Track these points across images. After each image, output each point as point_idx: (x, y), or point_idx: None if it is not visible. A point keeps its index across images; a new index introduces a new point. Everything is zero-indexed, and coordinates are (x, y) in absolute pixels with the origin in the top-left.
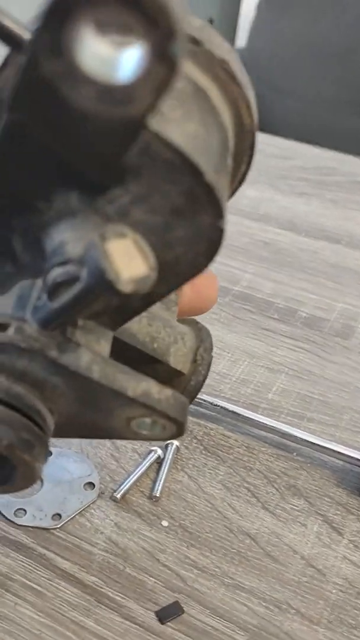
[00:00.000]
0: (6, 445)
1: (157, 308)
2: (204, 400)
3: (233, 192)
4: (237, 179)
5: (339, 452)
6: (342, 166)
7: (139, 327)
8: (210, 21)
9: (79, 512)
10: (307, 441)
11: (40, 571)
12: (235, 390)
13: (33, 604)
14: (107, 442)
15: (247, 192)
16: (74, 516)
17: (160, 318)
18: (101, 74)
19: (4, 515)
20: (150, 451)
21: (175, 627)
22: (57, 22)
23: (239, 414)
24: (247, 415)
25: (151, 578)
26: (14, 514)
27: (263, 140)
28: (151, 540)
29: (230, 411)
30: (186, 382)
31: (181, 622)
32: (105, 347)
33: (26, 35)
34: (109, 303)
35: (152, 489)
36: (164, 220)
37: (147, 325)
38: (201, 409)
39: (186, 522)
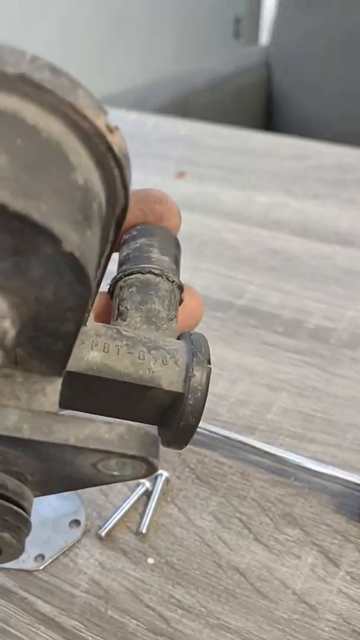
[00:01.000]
0: None
1: (142, 331)
2: (199, 427)
3: (124, 200)
4: (116, 187)
5: (337, 477)
6: None
7: (116, 358)
8: (238, 20)
9: (63, 552)
10: (304, 467)
11: (20, 616)
12: (233, 412)
13: None
14: None
15: (258, 198)
16: (57, 557)
17: (145, 342)
18: None
19: None
20: (139, 484)
21: None
22: None
23: (233, 439)
24: (242, 440)
25: (133, 620)
26: None
27: (278, 142)
28: (135, 579)
29: (224, 436)
30: (185, 403)
31: None
32: (52, 396)
33: None
34: None
35: (139, 524)
36: (13, 263)
37: (127, 354)
38: (196, 436)
39: (173, 559)
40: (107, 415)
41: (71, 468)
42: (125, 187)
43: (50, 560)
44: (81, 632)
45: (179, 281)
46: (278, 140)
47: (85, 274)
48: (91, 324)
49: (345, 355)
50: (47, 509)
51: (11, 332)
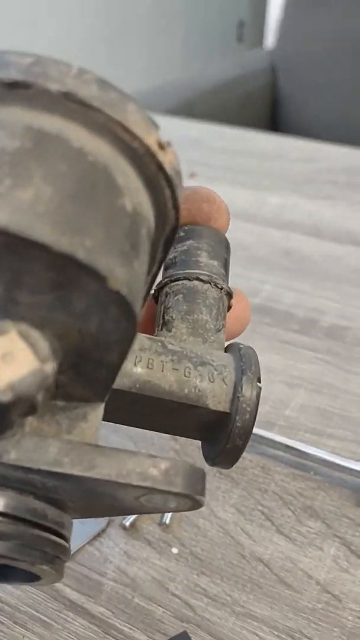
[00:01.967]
0: (35, 568)
1: (188, 344)
2: None
3: (174, 221)
4: (167, 207)
5: (358, 471)
6: None
7: (161, 375)
8: (241, 24)
9: (89, 542)
10: (325, 460)
11: (49, 602)
12: None
13: (41, 636)
14: None
15: (270, 199)
16: (84, 545)
17: (191, 356)
18: None
19: None
20: None
21: None
22: None
23: (253, 434)
24: (262, 434)
25: (160, 607)
26: None
27: (286, 144)
28: (161, 568)
29: None
30: (232, 424)
31: None
32: (93, 422)
33: None
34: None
35: (162, 515)
36: (56, 296)
37: (172, 371)
38: None
39: (197, 549)
40: (147, 429)
41: (113, 500)
42: (177, 207)
43: (76, 549)
44: (109, 618)
45: (228, 287)
46: (287, 143)
47: (131, 311)
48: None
49: None
50: None
51: (53, 372)
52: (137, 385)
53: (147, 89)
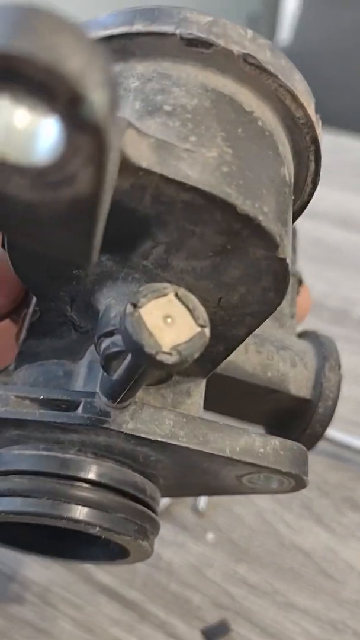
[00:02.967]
0: (134, 543)
1: (267, 327)
2: None
3: (307, 197)
4: (306, 182)
5: None
6: None
7: (245, 357)
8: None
9: None
10: None
11: (81, 585)
12: None
13: (73, 618)
14: None
15: None
16: None
17: (272, 340)
18: (20, 158)
19: None
20: None
21: None
22: None
23: None
24: None
25: (197, 594)
26: None
27: None
28: (197, 554)
29: None
30: (313, 411)
31: None
32: (196, 398)
33: None
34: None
35: (196, 500)
36: (212, 263)
37: (255, 353)
38: None
39: (235, 536)
40: (217, 412)
41: (211, 477)
42: (315, 183)
43: None
44: (144, 603)
45: (300, 273)
46: None
47: (286, 282)
48: None
49: None
50: None
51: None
52: (222, 365)
53: None
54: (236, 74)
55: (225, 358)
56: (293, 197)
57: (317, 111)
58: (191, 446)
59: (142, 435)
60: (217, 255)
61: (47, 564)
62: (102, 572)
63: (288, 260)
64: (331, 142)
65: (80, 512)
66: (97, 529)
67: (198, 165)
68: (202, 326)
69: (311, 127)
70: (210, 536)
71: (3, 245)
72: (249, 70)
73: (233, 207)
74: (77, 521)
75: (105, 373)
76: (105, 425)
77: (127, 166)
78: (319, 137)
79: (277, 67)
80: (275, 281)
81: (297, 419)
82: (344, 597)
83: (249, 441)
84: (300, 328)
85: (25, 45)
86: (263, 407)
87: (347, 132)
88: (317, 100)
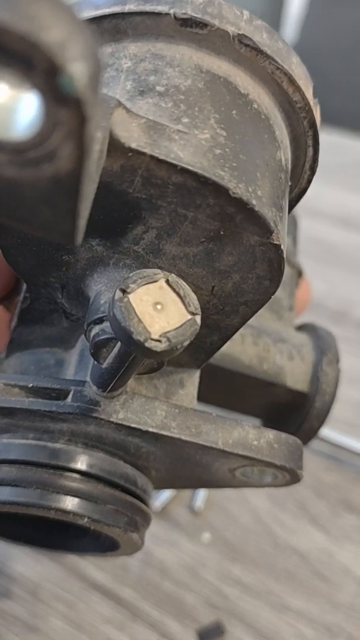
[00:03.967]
0: (125, 535)
1: (264, 319)
2: None
3: (305, 184)
4: (304, 169)
5: None
6: None
7: (241, 349)
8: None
9: None
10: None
11: (72, 580)
12: None
13: (65, 615)
14: None
15: None
16: None
17: (269, 332)
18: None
19: None
20: None
21: None
22: None
23: None
24: None
25: (191, 593)
26: None
27: None
28: (191, 552)
29: None
30: (310, 404)
31: None
32: (190, 389)
33: None
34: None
35: (192, 499)
36: (205, 249)
37: (252, 345)
38: None
39: (229, 535)
40: (213, 405)
41: (204, 469)
42: (313, 169)
43: None
44: (137, 601)
45: (299, 265)
46: None
47: (281, 270)
48: None
49: None
50: None
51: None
52: (217, 357)
53: None
54: (231, 56)
55: (219, 348)
56: (290, 184)
57: (314, 95)
58: (183, 437)
59: (133, 425)
60: (210, 241)
61: (38, 558)
62: (95, 569)
63: (283, 247)
64: (332, 142)
65: (70, 503)
66: (86, 520)
67: (190, 147)
68: (193, 313)
69: (309, 111)
70: (205, 535)
71: None
72: (245, 51)
73: (226, 190)
74: (66, 512)
75: (95, 361)
76: (94, 415)
77: (116, 147)
78: (317, 122)
79: (274, 49)
80: (270, 269)
81: (293, 412)
82: (339, 600)
83: (242, 433)
84: (298, 321)
85: (1, 15)
86: (259, 400)
87: (350, 131)
88: (320, 100)
